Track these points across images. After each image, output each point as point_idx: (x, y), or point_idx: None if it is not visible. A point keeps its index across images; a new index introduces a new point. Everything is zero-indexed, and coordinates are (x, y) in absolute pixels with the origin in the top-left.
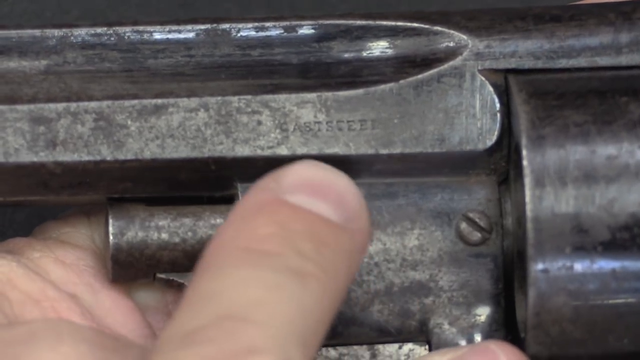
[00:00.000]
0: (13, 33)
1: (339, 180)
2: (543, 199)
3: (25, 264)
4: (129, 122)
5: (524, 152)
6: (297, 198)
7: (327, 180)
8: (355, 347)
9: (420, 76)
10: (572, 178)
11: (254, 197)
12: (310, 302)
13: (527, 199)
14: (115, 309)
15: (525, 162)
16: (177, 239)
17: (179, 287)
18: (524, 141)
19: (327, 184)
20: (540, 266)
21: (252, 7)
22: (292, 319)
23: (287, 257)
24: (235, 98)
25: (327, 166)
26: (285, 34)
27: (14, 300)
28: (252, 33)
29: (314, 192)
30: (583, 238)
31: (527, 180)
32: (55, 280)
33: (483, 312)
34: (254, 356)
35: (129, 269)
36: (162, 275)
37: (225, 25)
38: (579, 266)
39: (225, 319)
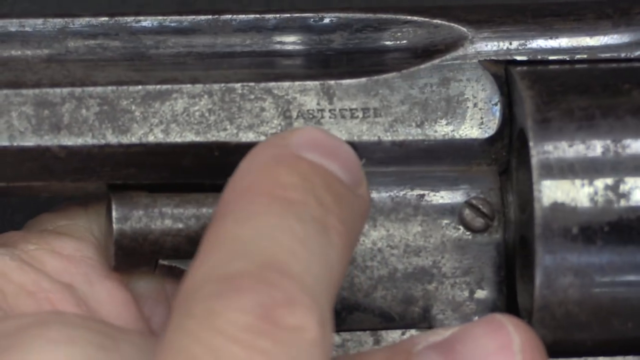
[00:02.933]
0: (15, 22)
1: (344, 145)
2: (550, 181)
3: (19, 256)
4: (133, 107)
5: (530, 134)
6: (312, 155)
7: (334, 143)
8: (358, 333)
9: (422, 66)
10: (579, 160)
11: (268, 150)
12: (333, 256)
13: (534, 179)
14: (110, 301)
15: (531, 144)
16: (180, 225)
17: (179, 276)
18: (529, 123)
19: (335, 146)
20: (547, 247)
21: (252, 7)
22: (321, 273)
23: (311, 207)
24: (239, 85)
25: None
26: (285, 27)
27: (9, 293)
28: (253, 25)
29: (325, 152)
30: (590, 221)
31: (534, 162)
32: (51, 271)
33: (485, 299)
34: (294, 309)
35: (132, 255)
36: (165, 262)
37: (227, 17)
38: (585, 248)
39: (264, 268)
